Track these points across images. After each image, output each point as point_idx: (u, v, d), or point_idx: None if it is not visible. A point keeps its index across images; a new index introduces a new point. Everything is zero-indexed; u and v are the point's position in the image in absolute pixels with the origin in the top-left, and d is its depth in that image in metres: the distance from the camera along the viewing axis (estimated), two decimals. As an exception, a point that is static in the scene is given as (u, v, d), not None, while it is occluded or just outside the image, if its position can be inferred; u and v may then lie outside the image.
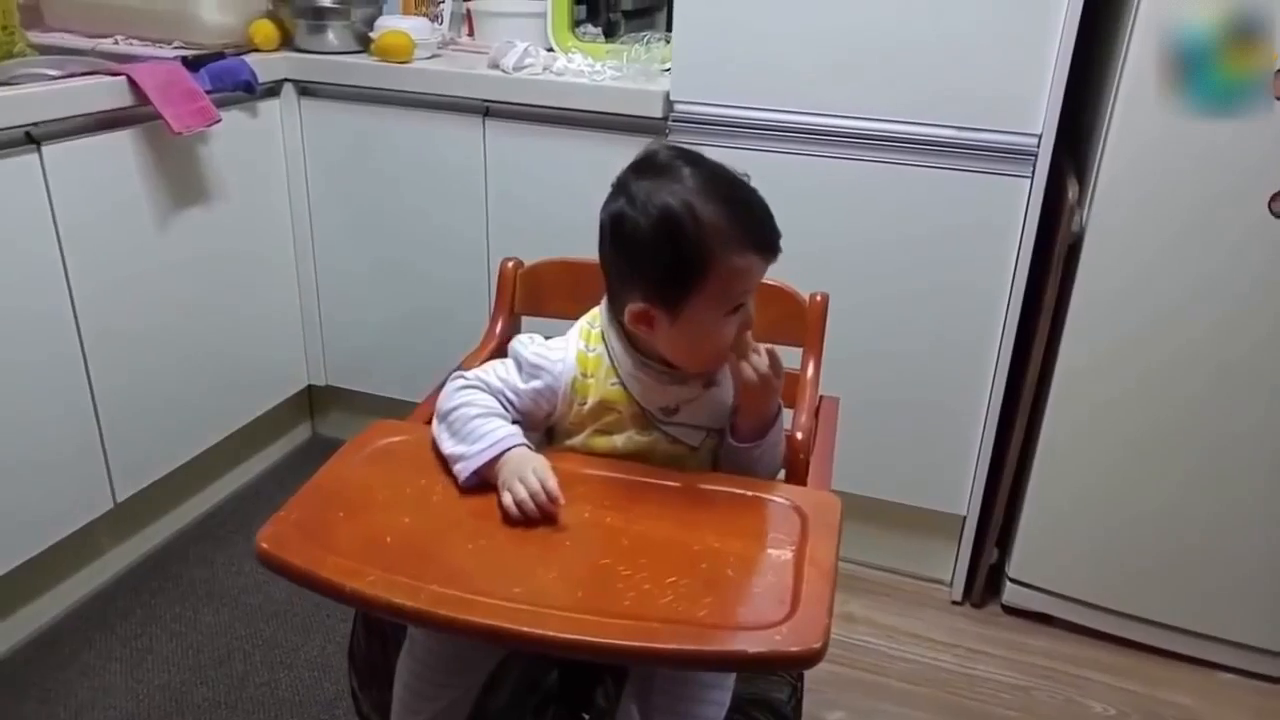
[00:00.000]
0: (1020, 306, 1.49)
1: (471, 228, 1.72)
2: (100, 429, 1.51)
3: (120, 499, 1.57)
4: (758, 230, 0.87)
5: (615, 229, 0.87)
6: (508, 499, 0.84)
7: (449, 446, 0.90)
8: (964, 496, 1.62)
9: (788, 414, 1.04)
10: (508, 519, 0.84)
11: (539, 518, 0.83)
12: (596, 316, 0.97)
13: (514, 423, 0.93)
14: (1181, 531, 1.50)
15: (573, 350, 0.95)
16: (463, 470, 0.87)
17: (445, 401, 0.93)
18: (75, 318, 1.44)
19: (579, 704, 0.95)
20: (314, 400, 2.05)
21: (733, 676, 0.95)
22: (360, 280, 1.86)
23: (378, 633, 1.00)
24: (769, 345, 0.91)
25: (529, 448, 0.89)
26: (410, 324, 1.85)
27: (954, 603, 1.69)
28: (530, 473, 0.84)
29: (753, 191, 0.89)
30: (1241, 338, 1.37)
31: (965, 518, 1.64)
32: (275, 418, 1.92)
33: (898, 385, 1.59)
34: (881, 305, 1.55)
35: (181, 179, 1.59)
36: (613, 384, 0.93)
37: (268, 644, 1.52)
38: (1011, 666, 1.56)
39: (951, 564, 1.69)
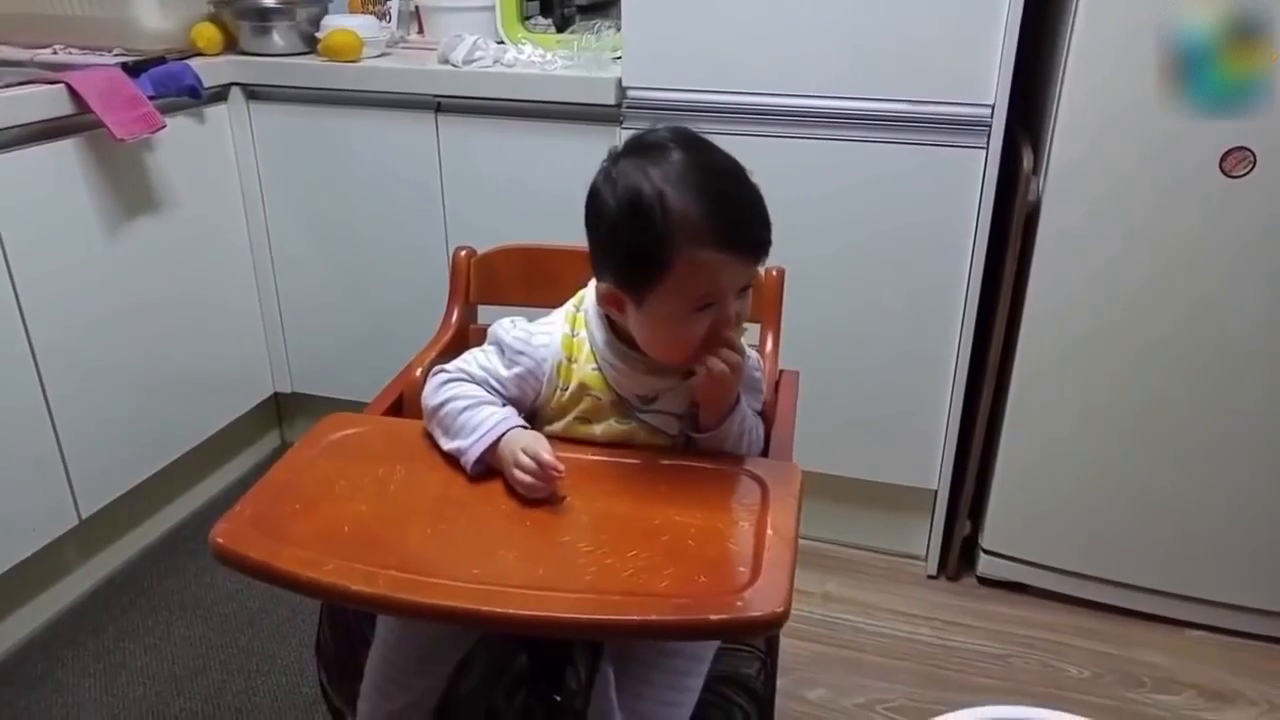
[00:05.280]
0: (981, 277, 1.50)
1: (429, 224, 1.71)
2: (59, 445, 1.49)
3: (85, 515, 1.55)
4: (733, 228, 0.81)
5: (589, 204, 0.86)
6: (518, 488, 0.84)
7: (446, 443, 0.89)
8: (934, 470, 1.63)
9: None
10: (523, 502, 0.85)
11: (550, 493, 0.84)
12: (583, 299, 0.95)
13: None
14: (1148, 494, 1.51)
15: (558, 333, 0.93)
16: (466, 463, 0.87)
17: (430, 399, 0.92)
18: (27, 334, 1.42)
19: (549, 686, 0.95)
20: (281, 408, 2.03)
21: (707, 661, 0.95)
22: (321, 283, 1.85)
23: (343, 627, 0.99)
24: (740, 340, 0.88)
25: (523, 426, 0.88)
26: (374, 324, 1.84)
27: (930, 577, 1.70)
28: (521, 454, 0.83)
29: (744, 187, 0.84)
30: (1198, 295, 1.38)
31: (937, 491, 1.65)
32: (243, 427, 1.90)
33: (863, 361, 1.60)
34: (844, 282, 1.56)
35: (131, 188, 1.57)
36: (592, 368, 0.91)
37: (244, 652, 1.51)
38: (988, 636, 1.57)
39: (926, 538, 1.69)
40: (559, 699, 0.94)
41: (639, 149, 0.85)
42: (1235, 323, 1.39)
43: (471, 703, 0.95)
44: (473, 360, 0.93)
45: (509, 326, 0.94)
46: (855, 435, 1.64)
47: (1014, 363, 1.51)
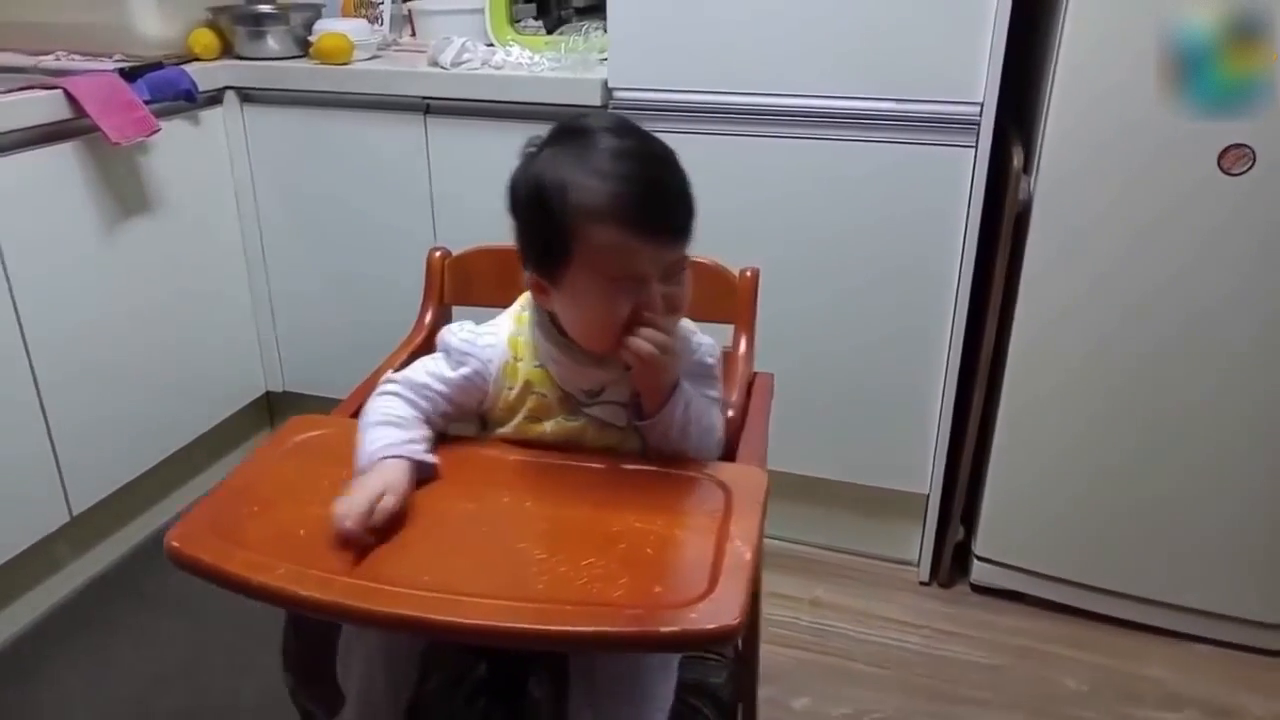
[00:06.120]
0: (972, 277, 1.48)
1: (418, 224, 1.71)
2: (52, 442, 1.51)
3: (77, 512, 1.56)
4: (635, 209, 0.80)
5: (509, 193, 0.87)
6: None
7: None
8: (926, 474, 1.60)
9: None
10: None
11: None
12: (528, 298, 0.94)
13: (443, 413, 0.92)
14: (1148, 500, 1.48)
15: (504, 334, 0.93)
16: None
17: (364, 410, 0.92)
18: (21, 332, 1.44)
19: (511, 694, 0.94)
20: (273, 406, 2.04)
21: (673, 668, 0.93)
22: (313, 283, 1.86)
23: (308, 628, 0.99)
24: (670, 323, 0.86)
25: (407, 458, 0.85)
26: (364, 324, 1.84)
27: (922, 583, 1.68)
28: (357, 489, 0.80)
29: (656, 168, 0.84)
30: (1197, 296, 1.35)
31: (928, 496, 1.62)
32: (234, 425, 1.91)
33: (853, 364, 1.57)
34: (833, 282, 1.54)
35: (127, 190, 1.58)
36: (536, 365, 0.92)
37: (230, 650, 1.51)
38: (981, 646, 1.54)
39: (918, 544, 1.67)
40: (521, 705, 0.93)
41: (556, 134, 0.85)
42: (1235, 320, 1.35)
43: (434, 706, 0.94)
44: (420, 367, 0.93)
45: (456, 330, 0.94)
46: (846, 438, 1.62)
47: (1006, 363, 1.49)
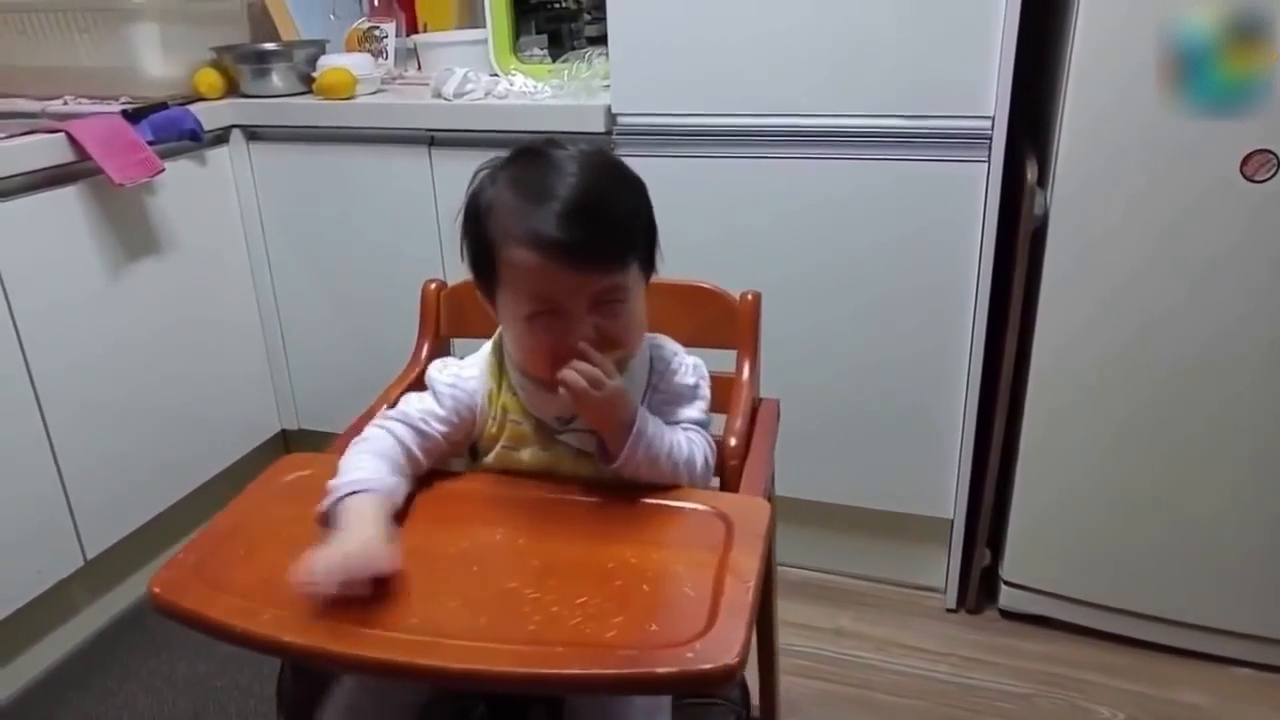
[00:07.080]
0: (989, 296, 1.43)
1: (427, 257, 1.70)
2: (64, 487, 1.50)
3: (90, 556, 1.56)
4: (556, 233, 0.76)
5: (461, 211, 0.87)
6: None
7: None
8: (950, 498, 1.55)
9: (719, 419, 0.99)
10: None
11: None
12: None
13: (436, 451, 0.89)
14: (1180, 519, 1.42)
15: (485, 364, 0.93)
16: (324, 503, 0.81)
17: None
18: (30, 379, 1.44)
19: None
20: (289, 444, 2.03)
21: (667, 704, 0.90)
22: (324, 319, 1.85)
23: (305, 671, 0.97)
24: (601, 356, 0.82)
25: (382, 497, 0.81)
26: (377, 358, 1.81)
27: (948, 610, 1.62)
28: (334, 542, 0.75)
29: (599, 193, 0.80)
30: (1221, 310, 1.30)
31: (953, 521, 1.57)
32: (250, 465, 1.90)
33: (872, 386, 1.53)
34: (849, 304, 1.50)
35: (134, 231, 1.59)
36: (510, 394, 0.91)
37: (244, 693, 1.49)
38: (1010, 674, 1.48)
39: (944, 570, 1.62)
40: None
41: (512, 156, 0.85)
42: (1264, 331, 1.30)
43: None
44: (411, 402, 0.92)
45: (440, 367, 0.94)
46: (868, 463, 1.58)
47: (1028, 382, 1.44)
